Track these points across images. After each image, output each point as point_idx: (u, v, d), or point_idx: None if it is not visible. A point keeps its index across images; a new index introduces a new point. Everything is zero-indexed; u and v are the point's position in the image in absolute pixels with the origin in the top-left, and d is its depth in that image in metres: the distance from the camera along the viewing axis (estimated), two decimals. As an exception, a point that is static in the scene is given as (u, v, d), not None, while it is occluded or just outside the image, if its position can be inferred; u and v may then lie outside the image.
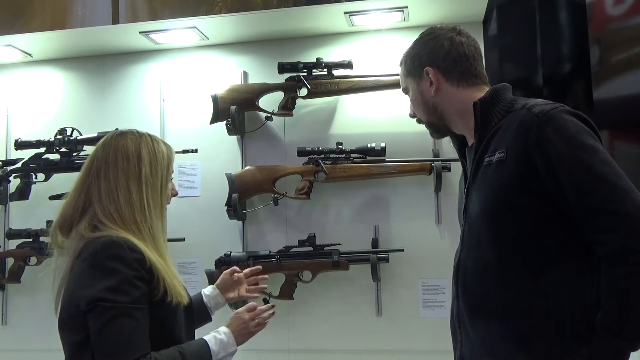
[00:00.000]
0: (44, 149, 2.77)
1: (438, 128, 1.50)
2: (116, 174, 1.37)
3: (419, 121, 1.54)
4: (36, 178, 2.81)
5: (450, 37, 1.43)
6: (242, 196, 2.60)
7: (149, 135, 1.47)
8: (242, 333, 1.49)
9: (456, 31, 1.45)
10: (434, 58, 1.43)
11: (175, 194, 1.53)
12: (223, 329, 1.48)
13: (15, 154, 2.85)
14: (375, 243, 2.56)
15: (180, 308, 1.38)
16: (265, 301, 2.52)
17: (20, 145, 2.79)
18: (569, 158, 1.20)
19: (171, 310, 1.35)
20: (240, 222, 2.70)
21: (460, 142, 1.51)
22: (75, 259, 1.34)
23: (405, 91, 1.53)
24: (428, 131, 1.55)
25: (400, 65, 1.54)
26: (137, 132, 1.47)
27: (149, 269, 1.31)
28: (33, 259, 2.76)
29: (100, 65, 2.96)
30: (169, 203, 1.49)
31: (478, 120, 1.36)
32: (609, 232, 1.17)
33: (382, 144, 2.51)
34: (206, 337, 1.43)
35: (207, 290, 1.77)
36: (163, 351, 1.32)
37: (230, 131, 2.67)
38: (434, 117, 1.47)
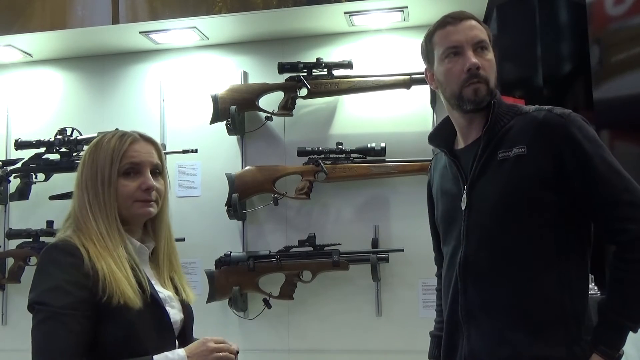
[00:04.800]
0: (44, 149, 2.77)
1: (486, 100, 1.40)
2: (75, 181, 1.41)
3: (475, 77, 1.38)
4: (36, 178, 2.81)
5: None
6: (242, 196, 2.60)
7: (106, 137, 1.40)
8: (200, 356, 1.30)
9: None
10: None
11: (146, 187, 1.37)
12: (180, 351, 1.32)
13: (15, 154, 2.85)
14: (375, 243, 2.56)
15: (132, 310, 1.28)
16: (266, 301, 2.53)
17: (20, 145, 2.79)
18: (594, 155, 1.30)
19: (118, 310, 1.27)
20: (240, 222, 2.70)
21: (445, 143, 1.53)
22: None
23: (488, 45, 1.45)
24: (432, 123, 1.55)
25: (484, 22, 1.57)
26: (104, 135, 1.41)
27: (86, 274, 1.26)
28: (33, 259, 2.76)
29: (100, 65, 2.96)
30: (147, 199, 1.38)
31: (492, 118, 1.41)
32: (631, 221, 1.27)
33: (382, 144, 2.51)
34: (157, 357, 1.28)
35: None
36: None
37: (230, 131, 2.67)
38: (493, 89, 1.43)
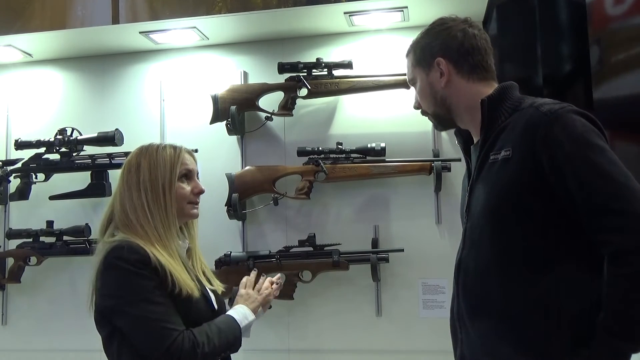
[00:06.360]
0: (44, 149, 2.77)
1: (444, 121, 1.49)
2: (122, 184, 1.55)
3: (424, 113, 1.51)
4: (36, 178, 2.81)
5: (463, 29, 1.42)
6: (242, 196, 2.60)
7: (158, 145, 1.58)
8: (251, 301, 1.65)
9: (468, 23, 1.44)
10: (446, 49, 1.41)
11: (198, 192, 1.59)
12: (239, 307, 1.62)
13: (15, 154, 2.85)
14: (375, 243, 2.56)
15: (194, 299, 1.47)
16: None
17: (20, 145, 2.79)
18: (576, 157, 1.19)
19: (185, 302, 1.45)
20: (240, 222, 2.70)
21: (465, 140, 1.50)
22: (97, 264, 1.49)
23: (412, 82, 1.50)
24: (432, 124, 1.54)
25: (408, 55, 1.51)
26: (151, 144, 1.58)
27: (154, 268, 1.42)
28: (33, 259, 2.76)
29: (100, 65, 2.96)
30: (196, 202, 1.60)
31: (485, 118, 1.35)
32: (615, 232, 1.16)
33: (382, 144, 2.50)
34: (232, 313, 1.58)
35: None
36: (198, 327, 1.45)
37: (230, 131, 2.67)
38: (441, 110, 1.45)
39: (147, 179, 1.51)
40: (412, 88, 1.53)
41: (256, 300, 1.66)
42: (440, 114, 1.46)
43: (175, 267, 1.45)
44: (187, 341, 1.39)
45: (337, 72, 2.59)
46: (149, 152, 1.55)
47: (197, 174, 1.63)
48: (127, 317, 1.41)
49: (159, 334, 1.38)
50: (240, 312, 1.59)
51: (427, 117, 1.53)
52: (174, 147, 1.58)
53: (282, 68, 2.59)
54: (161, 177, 1.52)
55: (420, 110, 1.52)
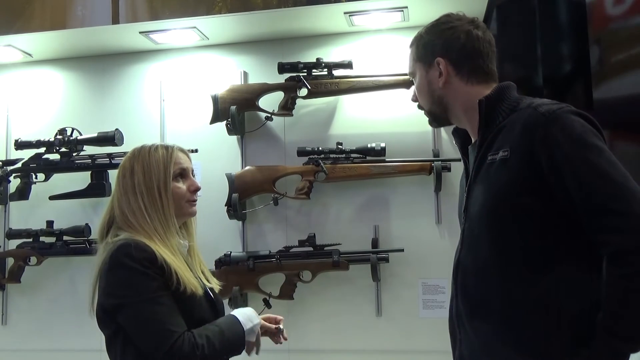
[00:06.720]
0: (44, 149, 2.77)
1: (439, 118, 1.49)
2: (118, 189, 1.55)
3: (420, 107, 1.52)
4: (36, 178, 2.81)
5: (467, 30, 1.41)
6: (242, 196, 2.60)
7: (150, 147, 1.57)
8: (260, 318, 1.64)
9: (474, 24, 1.42)
10: (447, 49, 1.40)
11: (194, 189, 1.58)
12: (242, 308, 1.62)
13: (15, 154, 2.85)
14: (375, 243, 2.56)
15: (197, 297, 1.48)
16: (266, 301, 2.53)
17: (20, 145, 2.79)
18: (575, 158, 1.19)
19: (189, 299, 1.46)
20: (240, 222, 2.70)
21: (462, 140, 1.50)
22: (101, 263, 1.49)
23: (412, 75, 1.50)
24: (427, 122, 1.53)
25: (411, 47, 1.51)
26: (143, 146, 1.58)
27: (160, 266, 1.42)
28: (33, 259, 2.76)
29: (100, 65, 2.96)
30: (194, 199, 1.59)
31: (483, 118, 1.35)
32: (614, 232, 1.16)
33: (382, 144, 2.51)
34: (236, 314, 1.56)
35: None
36: (200, 328, 1.45)
37: (230, 131, 2.67)
38: (437, 108, 1.45)
39: (142, 182, 1.52)
40: (412, 81, 1.53)
41: (261, 323, 1.65)
42: (436, 112, 1.47)
43: (179, 266, 1.46)
44: (186, 343, 1.39)
45: (337, 72, 2.59)
46: (141, 155, 1.55)
47: (192, 171, 1.62)
48: (130, 316, 1.41)
49: (160, 336, 1.38)
50: (244, 314, 1.57)
51: (423, 112, 1.53)
52: (166, 147, 1.58)
53: (282, 68, 2.59)
54: (156, 179, 1.52)
55: (417, 103, 1.53)
